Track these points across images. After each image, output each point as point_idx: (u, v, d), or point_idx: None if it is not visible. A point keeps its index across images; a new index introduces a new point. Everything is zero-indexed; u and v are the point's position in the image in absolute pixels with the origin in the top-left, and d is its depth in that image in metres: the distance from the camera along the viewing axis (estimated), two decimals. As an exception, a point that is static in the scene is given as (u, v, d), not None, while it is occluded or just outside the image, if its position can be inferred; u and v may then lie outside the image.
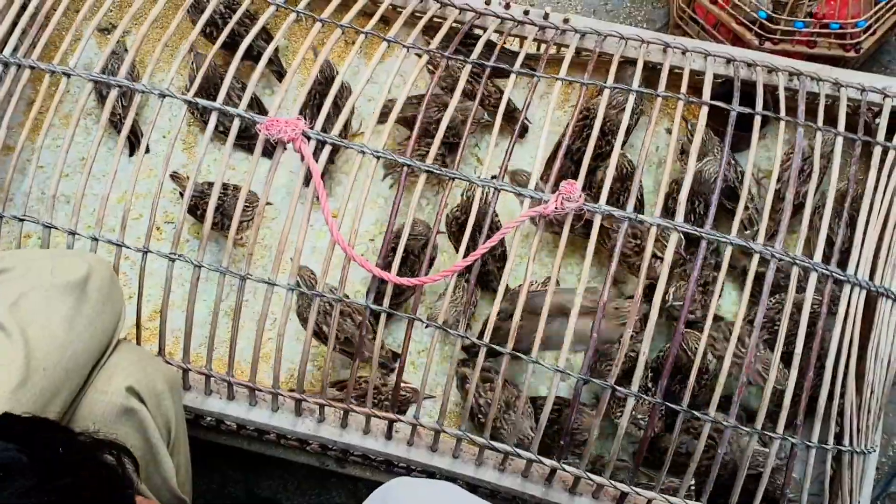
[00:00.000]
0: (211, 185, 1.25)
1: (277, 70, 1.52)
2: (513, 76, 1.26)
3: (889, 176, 1.24)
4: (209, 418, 1.28)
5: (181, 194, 1.40)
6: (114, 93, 1.22)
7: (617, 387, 1.14)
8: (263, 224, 1.47)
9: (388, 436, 1.25)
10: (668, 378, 1.12)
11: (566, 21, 1.37)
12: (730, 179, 1.38)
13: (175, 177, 1.41)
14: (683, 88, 1.25)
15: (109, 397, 0.99)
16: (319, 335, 1.27)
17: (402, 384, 1.23)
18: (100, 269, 1.04)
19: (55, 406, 0.95)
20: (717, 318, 1.34)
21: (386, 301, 1.17)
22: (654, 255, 1.23)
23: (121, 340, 1.07)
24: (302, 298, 1.28)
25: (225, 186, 1.36)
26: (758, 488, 1.15)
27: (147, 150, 1.22)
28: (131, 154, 1.50)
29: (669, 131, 1.47)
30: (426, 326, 1.28)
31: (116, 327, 1.06)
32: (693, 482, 1.17)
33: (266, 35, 1.46)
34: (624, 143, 1.45)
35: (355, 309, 1.29)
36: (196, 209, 1.36)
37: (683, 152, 1.40)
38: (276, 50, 1.51)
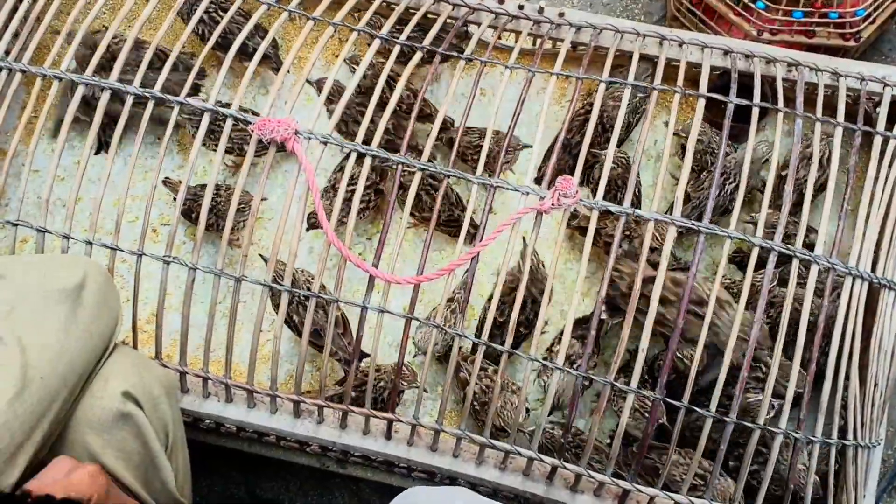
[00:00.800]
0: (205, 187, 1.24)
1: (277, 68, 1.50)
2: (507, 71, 1.25)
3: (890, 166, 1.22)
4: (208, 421, 1.27)
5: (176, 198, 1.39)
6: (105, 96, 1.21)
7: (616, 383, 1.13)
8: (260, 225, 1.46)
9: (388, 436, 1.24)
10: (666, 375, 1.11)
11: (561, 15, 1.36)
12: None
13: (167, 182, 1.40)
14: (680, 81, 1.24)
15: (106, 402, 0.99)
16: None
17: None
18: (95, 273, 1.03)
19: (53, 414, 0.95)
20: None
21: (383, 302, 1.17)
22: (653, 249, 1.21)
23: (117, 344, 1.07)
24: (275, 297, 1.24)
25: (218, 188, 1.35)
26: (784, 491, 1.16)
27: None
28: (97, 152, 1.46)
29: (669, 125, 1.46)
30: (420, 326, 1.27)
31: (113, 331, 1.05)
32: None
33: (264, 33, 1.45)
34: (626, 138, 1.44)
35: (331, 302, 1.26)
36: (191, 212, 1.35)
37: (683, 147, 1.39)
38: (277, 48, 1.50)
